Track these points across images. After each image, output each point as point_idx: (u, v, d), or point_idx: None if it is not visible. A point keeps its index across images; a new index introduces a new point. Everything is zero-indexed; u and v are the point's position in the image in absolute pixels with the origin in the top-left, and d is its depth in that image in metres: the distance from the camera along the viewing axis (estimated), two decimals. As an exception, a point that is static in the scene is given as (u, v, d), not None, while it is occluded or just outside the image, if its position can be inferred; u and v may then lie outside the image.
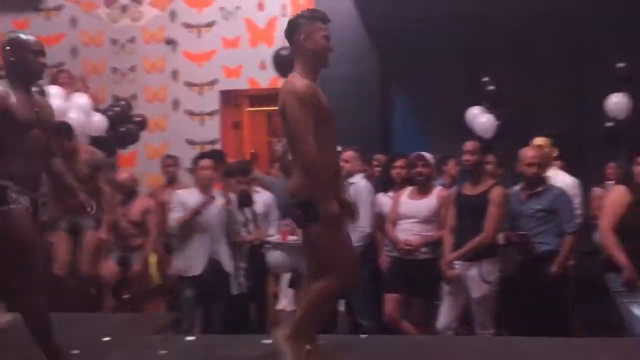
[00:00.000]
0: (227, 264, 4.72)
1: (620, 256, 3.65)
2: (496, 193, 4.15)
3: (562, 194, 4.25)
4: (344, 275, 2.88)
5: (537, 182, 4.25)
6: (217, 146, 7.59)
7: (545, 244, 4.16)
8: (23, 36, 3.04)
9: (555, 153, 4.54)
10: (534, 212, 4.20)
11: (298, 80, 2.83)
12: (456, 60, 6.71)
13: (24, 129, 2.93)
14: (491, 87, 6.23)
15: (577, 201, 4.37)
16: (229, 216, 4.80)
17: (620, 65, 5.89)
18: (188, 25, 7.91)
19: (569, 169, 4.98)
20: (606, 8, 6.17)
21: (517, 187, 4.40)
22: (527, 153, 4.28)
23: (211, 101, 7.92)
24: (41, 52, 3.03)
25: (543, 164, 4.28)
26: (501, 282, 4.15)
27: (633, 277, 3.61)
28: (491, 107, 6.16)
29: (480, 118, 6.11)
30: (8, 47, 2.99)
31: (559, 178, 4.48)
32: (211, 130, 7.85)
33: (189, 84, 7.92)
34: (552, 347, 3.40)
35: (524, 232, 4.19)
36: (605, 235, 3.78)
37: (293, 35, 2.91)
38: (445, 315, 4.26)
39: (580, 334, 4.24)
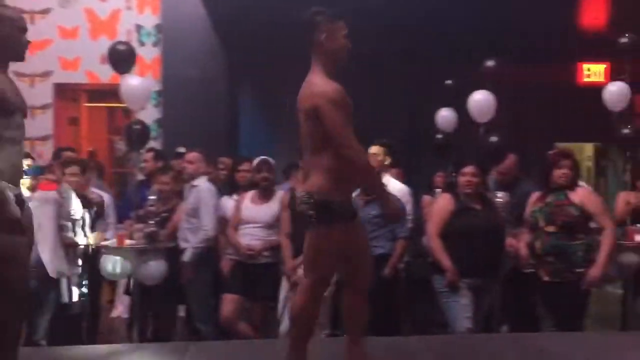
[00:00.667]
0: (54, 269, 4.39)
1: (444, 259, 3.95)
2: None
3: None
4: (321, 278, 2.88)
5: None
6: (50, 143, 7.09)
7: (380, 247, 4.37)
8: (8, 10, 2.71)
9: (388, 161, 4.79)
10: (370, 218, 4.41)
11: (326, 82, 2.77)
12: (303, 65, 6.86)
13: (14, 113, 2.55)
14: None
15: (408, 207, 4.64)
16: (59, 216, 4.47)
17: (448, 82, 6.38)
18: (20, 11, 7.29)
19: (405, 176, 5.29)
20: (439, 25, 6.61)
21: (355, 193, 4.58)
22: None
23: (44, 94, 7.38)
24: (25, 30, 2.72)
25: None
26: (337, 284, 4.29)
27: (455, 279, 3.93)
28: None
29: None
30: None
31: (391, 185, 4.73)
32: (43, 126, 7.31)
33: (19, 74, 7.30)
34: (385, 347, 3.58)
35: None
36: (431, 240, 4.07)
37: (313, 34, 2.82)
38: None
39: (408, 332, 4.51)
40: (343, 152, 2.70)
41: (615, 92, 5.67)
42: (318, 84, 2.78)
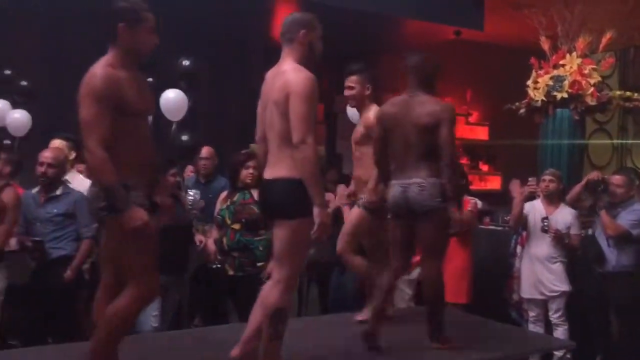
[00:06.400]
0: None
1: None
2: (7, 195, 3.88)
3: (81, 198, 4.25)
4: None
5: (54, 185, 4.15)
6: None
7: (62, 249, 4.10)
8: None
9: (73, 155, 4.51)
10: (52, 217, 4.09)
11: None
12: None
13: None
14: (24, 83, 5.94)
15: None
16: None
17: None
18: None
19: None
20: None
21: (34, 190, 4.20)
22: (44, 153, 4.15)
23: None
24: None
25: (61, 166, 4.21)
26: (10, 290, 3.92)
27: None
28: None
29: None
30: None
31: (78, 182, 4.46)
32: None
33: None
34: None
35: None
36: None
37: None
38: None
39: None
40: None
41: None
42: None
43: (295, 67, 2.84)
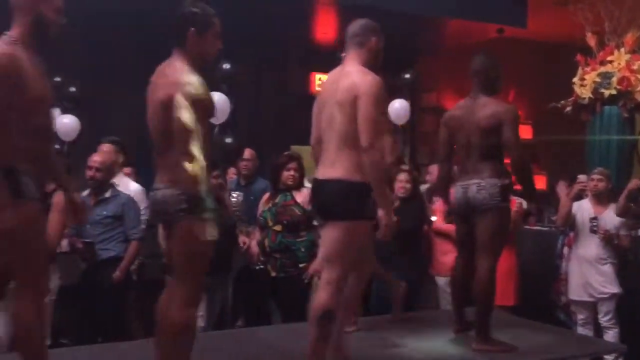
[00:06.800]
0: None
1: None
2: (58, 198, 3.98)
3: (129, 200, 4.34)
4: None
5: (103, 188, 4.25)
6: None
7: (110, 250, 4.18)
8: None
9: (121, 159, 4.61)
10: (101, 219, 4.19)
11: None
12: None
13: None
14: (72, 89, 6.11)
15: (142, 207, 4.50)
16: None
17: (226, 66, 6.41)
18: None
19: (138, 175, 5.13)
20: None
21: (84, 193, 4.31)
22: (93, 157, 4.25)
23: None
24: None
25: (109, 169, 4.31)
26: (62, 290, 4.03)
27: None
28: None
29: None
30: None
31: (125, 184, 4.56)
32: None
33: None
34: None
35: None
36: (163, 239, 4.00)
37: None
38: None
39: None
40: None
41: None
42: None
43: (362, 69, 2.87)
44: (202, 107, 2.48)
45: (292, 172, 4.28)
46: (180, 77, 2.48)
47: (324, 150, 2.88)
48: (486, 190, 3.33)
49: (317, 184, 2.90)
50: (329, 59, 7.83)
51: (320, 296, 2.79)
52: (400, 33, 7.56)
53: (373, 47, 2.95)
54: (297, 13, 7.05)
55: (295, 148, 5.24)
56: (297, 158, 4.37)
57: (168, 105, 2.43)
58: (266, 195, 4.44)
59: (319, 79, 8.29)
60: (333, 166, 2.82)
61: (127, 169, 4.86)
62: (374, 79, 2.80)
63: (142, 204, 4.45)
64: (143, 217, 4.40)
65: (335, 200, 2.78)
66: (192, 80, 2.47)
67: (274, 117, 8.29)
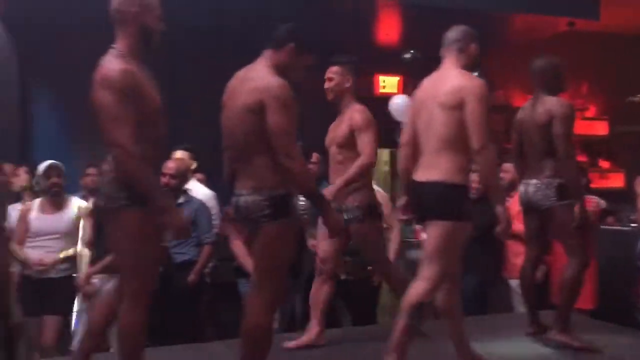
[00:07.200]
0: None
1: (248, 263, 3.99)
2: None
3: (202, 206, 4.46)
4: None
5: (177, 194, 4.38)
6: None
7: (185, 254, 4.30)
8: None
9: (194, 165, 4.75)
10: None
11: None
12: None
13: None
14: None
15: (214, 212, 4.62)
16: None
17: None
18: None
19: (209, 181, 5.26)
20: (242, 25, 6.66)
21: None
22: (168, 165, 4.40)
23: None
24: None
25: (183, 176, 4.45)
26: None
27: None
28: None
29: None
30: None
31: (196, 190, 4.69)
32: None
33: None
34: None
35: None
36: (234, 244, 4.11)
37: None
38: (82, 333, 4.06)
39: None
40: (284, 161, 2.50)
41: (399, 104, 6.17)
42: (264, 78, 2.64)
43: (466, 73, 2.95)
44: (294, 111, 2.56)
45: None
46: (271, 81, 2.55)
47: (422, 152, 2.94)
48: (541, 190, 3.40)
49: (417, 185, 2.94)
50: (393, 60, 7.83)
51: (415, 288, 2.83)
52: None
53: (472, 53, 3.03)
54: (359, 14, 7.05)
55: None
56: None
57: (256, 109, 2.50)
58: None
59: (383, 81, 8.28)
60: (430, 168, 2.88)
61: (199, 175, 4.99)
62: (481, 82, 2.89)
63: (214, 209, 4.56)
64: (215, 222, 4.52)
65: (436, 202, 2.84)
66: (284, 84, 2.56)
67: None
